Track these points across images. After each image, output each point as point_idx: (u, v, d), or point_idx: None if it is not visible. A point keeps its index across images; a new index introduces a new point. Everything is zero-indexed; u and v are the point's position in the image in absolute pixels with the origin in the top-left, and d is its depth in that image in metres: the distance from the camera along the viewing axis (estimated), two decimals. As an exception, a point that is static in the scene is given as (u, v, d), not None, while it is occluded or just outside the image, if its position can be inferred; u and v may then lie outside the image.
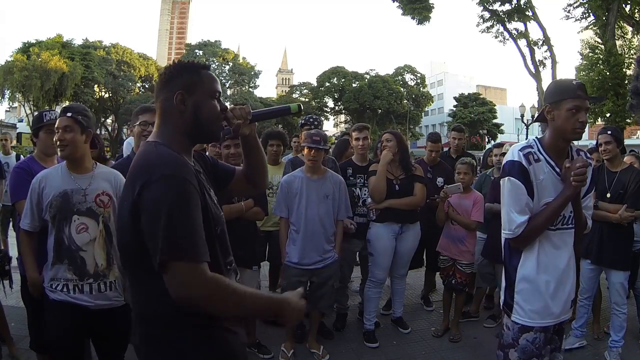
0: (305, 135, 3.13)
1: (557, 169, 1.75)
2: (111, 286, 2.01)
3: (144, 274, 1.16)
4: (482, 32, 20.26)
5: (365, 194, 3.52)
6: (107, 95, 38.87)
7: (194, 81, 1.26)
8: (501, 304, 1.90)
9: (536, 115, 2.14)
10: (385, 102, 41.06)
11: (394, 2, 20.35)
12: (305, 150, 3.06)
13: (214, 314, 1.16)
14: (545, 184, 1.73)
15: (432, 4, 20.11)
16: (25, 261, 2.17)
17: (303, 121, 3.79)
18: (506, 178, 1.74)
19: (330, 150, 4.36)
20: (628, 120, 15.97)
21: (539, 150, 1.77)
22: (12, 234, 5.60)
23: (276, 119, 40.50)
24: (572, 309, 1.86)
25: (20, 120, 37.83)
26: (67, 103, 35.16)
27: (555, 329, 1.83)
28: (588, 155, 1.84)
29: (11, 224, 5.50)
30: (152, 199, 1.10)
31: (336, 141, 4.98)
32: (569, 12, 17.83)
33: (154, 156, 1.18)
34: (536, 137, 1.84)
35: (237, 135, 1.45)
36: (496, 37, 20.04)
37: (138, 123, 2.51)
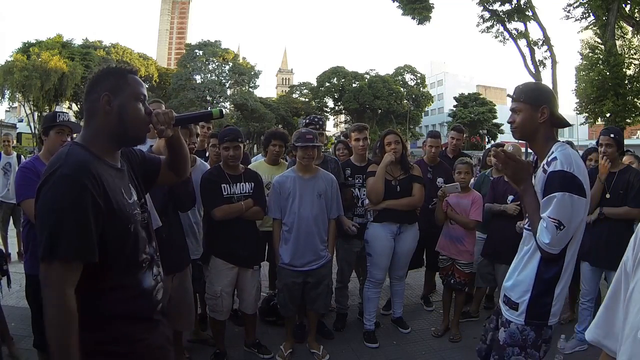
0: (298, 135, 3.03)
1: None
2: None
3: None
4: (482, 32, 20.26)
5: (363, 195, 3.51)
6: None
7: (120, 83, 1.33)
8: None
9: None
10: (385, 102, 41.06)
11: (394, 2, 20.36)
12: (300, 151, 2.98)
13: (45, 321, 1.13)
14: None
15: (432, 4, 20.11)
16: None
17: (308, 121, 3.76)
18: None
19: (330, 150, 4.35)
20: (628, 120, 15.98)
21: None
22: (12, 233, 5.59)
23: (277, 120, 40.68)
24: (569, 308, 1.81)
25: (20, 120, 37.82)
26: (67, 103, 35.17)
27: None
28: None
29: (12, 221, 5.48)
30: (45, 195, 1.17)
31: (335, 142, 4.99)
32: (569, 12, 17.86)
33: (63, 155, 1.22)
34: None
35: (161, 137, 1.51)
36: (496, 37, 20.04)
37: None
